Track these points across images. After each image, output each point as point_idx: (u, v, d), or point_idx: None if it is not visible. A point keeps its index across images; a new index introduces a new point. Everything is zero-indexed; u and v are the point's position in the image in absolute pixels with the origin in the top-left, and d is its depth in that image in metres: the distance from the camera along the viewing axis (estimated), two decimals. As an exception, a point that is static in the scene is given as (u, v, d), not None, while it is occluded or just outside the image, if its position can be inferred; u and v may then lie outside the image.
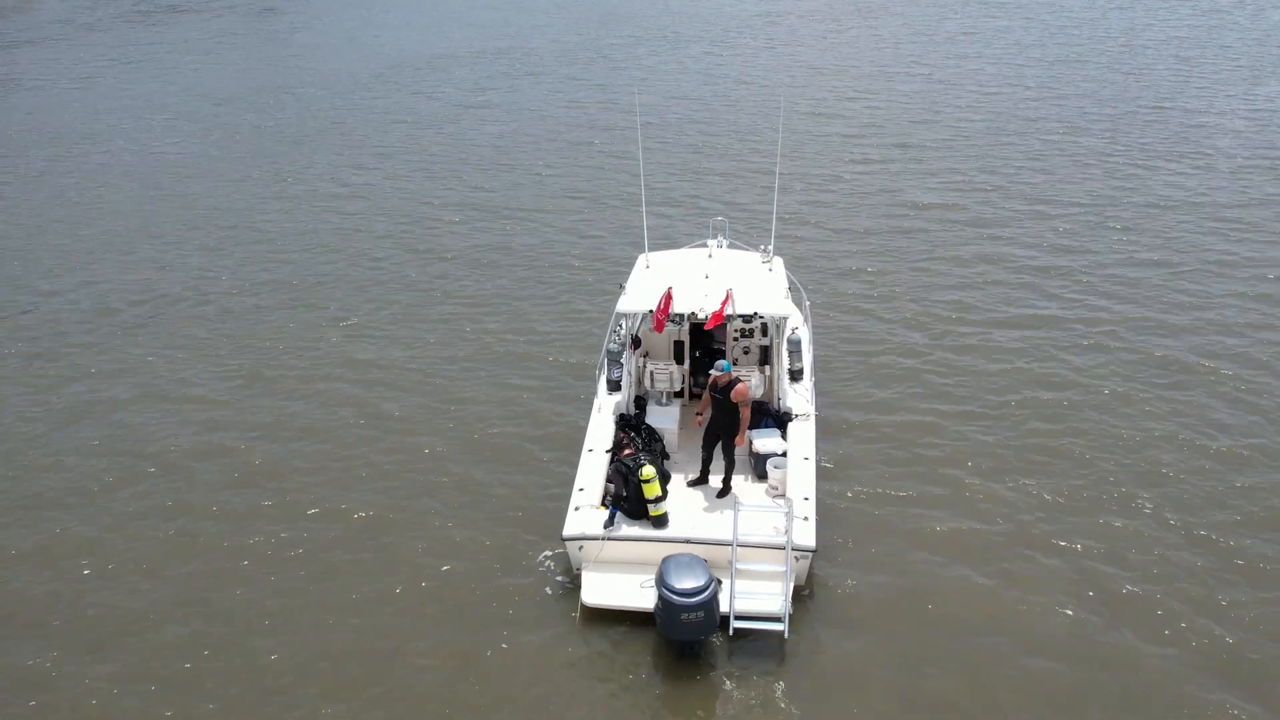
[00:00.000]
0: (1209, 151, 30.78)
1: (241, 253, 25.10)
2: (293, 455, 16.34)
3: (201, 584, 13.49)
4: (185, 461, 16.23)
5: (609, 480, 13.88)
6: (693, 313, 14.82)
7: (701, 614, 11.49)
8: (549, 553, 13.78)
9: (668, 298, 14.27)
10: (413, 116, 37.82)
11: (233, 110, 39.33)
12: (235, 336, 20.63)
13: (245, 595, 13.27)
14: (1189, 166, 29.54)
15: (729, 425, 13.94)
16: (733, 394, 13.78)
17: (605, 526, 12.90)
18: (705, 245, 18.54)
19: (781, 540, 12.37)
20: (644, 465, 12.73)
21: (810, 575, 12.97)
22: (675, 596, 11.46)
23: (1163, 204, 26.46)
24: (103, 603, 13.25)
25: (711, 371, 13.96)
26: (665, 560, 11.95)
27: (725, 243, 18.73)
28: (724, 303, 14.17)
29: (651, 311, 15.07)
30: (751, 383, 15.75)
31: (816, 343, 18.27)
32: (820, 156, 31.69)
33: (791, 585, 12.17)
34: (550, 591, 13.14)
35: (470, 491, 15.33)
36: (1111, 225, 25.09)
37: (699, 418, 14.52)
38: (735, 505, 12.39)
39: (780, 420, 15.43)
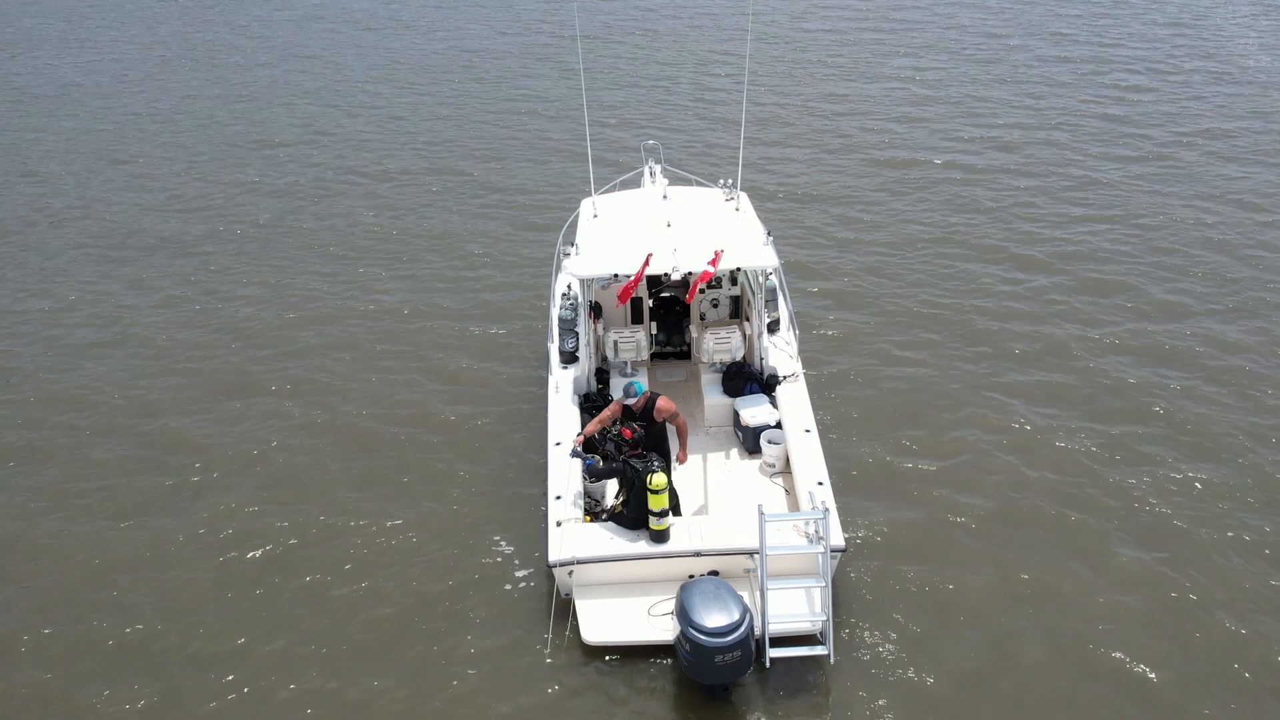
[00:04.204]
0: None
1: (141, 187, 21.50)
2: (214, 453, 13.63)
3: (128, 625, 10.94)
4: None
5: (587, 471, 11.84)
6: (665, 274, 12.52)
7: (738, 653, 9.58)
8: (528, 570, 11.66)
9: (645, 265, 11.89)
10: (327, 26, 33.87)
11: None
12: (133, 298, 17.46)
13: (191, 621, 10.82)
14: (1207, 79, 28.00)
15: (663, 445, 11.94)
16: (656, 414, 11.74)
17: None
18: (648, 179, 16.21)
19: (815, 548, 10.49)
20: (655, 472, 10.56)
21: (835, 578, 11.18)
22: (706, 638, 9.49)
23: (1163, 130, 24.68)
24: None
25: (624, 400, 11.77)
26: (686, 591, 9.93)
27: (659, 168, 16.42)
28: (712, 262, 11.89)
29: (616, 276, 12.76)
30: (731, 343, 13.68)
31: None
32: (788, 79, 28.85)
33: (830, 599, 10.36)
34: (534, 622, 11.00)
35: (422, 491, 12.98)
36: (1120, 153, 23.06)
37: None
38: (759, 511, 10.40)
39: (766, 384, 13.47)
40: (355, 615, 11.21)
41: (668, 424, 11.99)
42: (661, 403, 11.82)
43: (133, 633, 11.04)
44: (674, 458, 12.18)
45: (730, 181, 14.32)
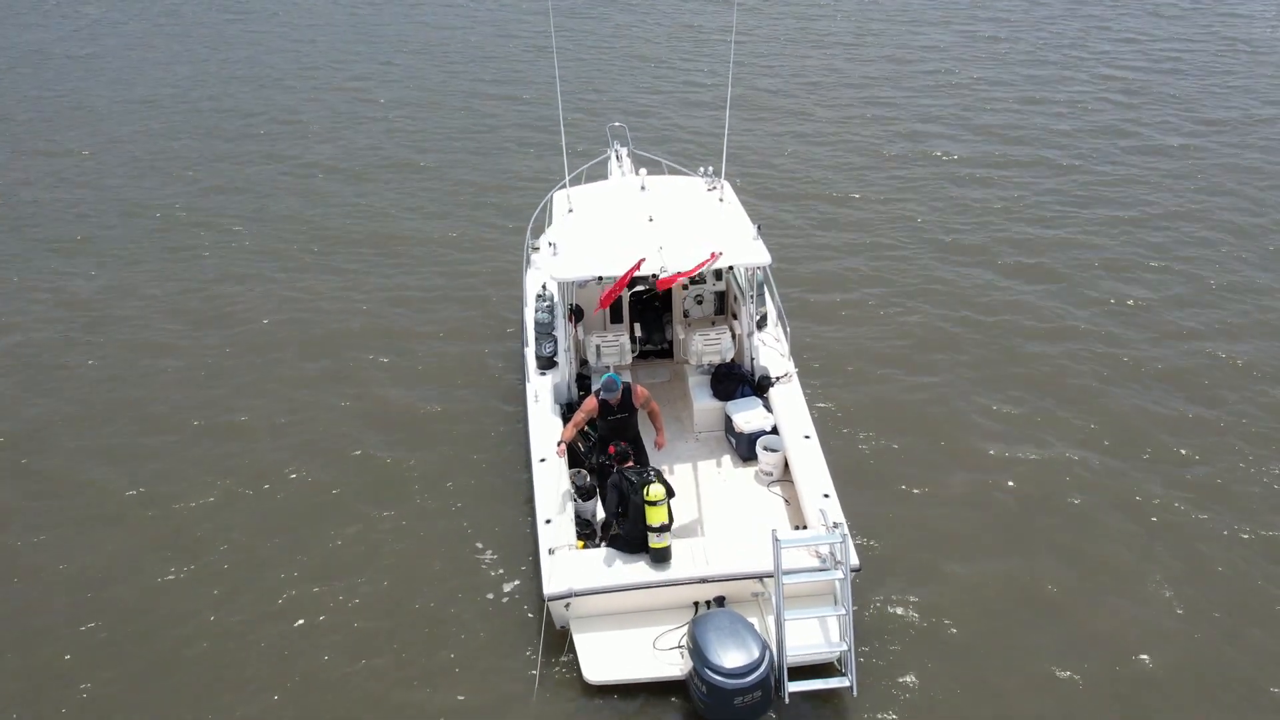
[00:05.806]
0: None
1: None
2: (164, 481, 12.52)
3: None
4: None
5: (576, 484, 11.05)
6: (653, 274, 11.64)
7: (759, 693, 8.87)
8: (515, 595, 10.78)
9: (634, 269, 10.98)
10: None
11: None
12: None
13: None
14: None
15: (638, 439, 11.35)
16: (636, 400, 11.21)
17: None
18: (614, 164, 15.36)
19: (834, 573, 9.76)
20: (652, 482, 9.76)
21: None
22: (725, 679, 8.76)
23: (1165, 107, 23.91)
24: None
25: (601, 395, 11.10)
26: (699, 626, 9.17)
27: (625, 151, 15.56)
28: (702, 264, 11.02)
29: (600, 279, 11.85)
30: (721, 344, 12.89)
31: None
32: (776, 58, 27.55)
33: (852, 625, 9.67)
34: (523, 655, 10.14)
35: (394, 516, 11.98)
36: (1137, 147, 21.81)
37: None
38: (773, 536, 9.63)
39: (758, 386, 12.70)
40: (333, 644, 10.26)
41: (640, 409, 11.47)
42: (639, 390, 11.27)
43: (111, 679, 10.01)
44: (652, 443, 11.60)
45: (712, 169, 13.47)
